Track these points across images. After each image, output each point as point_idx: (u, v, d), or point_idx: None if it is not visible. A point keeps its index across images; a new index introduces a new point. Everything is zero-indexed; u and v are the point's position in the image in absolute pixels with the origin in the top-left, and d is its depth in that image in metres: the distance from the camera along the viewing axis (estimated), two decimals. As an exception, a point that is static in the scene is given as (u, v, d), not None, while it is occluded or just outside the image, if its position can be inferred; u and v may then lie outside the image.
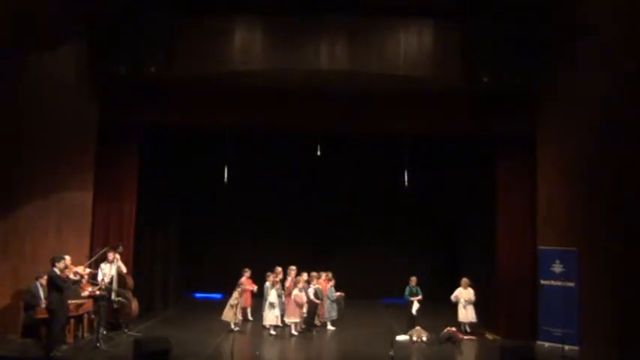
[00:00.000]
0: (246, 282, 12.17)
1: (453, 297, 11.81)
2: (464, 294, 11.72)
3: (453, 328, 11.18)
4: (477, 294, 11.79)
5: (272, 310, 11.47)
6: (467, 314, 11.69)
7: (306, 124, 12.07)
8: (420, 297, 11.66)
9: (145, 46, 10.81)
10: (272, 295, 11.52)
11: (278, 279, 11.83)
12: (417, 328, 11.15)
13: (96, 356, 9.39)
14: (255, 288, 12.34)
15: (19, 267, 10.30)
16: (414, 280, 11.88)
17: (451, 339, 10.87)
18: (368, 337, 11.49)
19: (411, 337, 10.98)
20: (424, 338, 10.91)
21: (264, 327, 11.61)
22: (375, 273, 15.80)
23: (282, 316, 11.60)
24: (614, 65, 9.58)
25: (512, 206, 11.78)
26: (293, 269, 11.95)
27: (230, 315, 11.44)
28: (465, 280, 11.88)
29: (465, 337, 11.20)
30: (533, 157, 11.68)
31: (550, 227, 11.25)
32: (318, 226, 16.12)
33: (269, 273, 12.14)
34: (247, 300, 12.38)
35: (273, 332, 11.41)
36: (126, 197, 11.92)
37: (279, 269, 12.05)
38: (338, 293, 12.38)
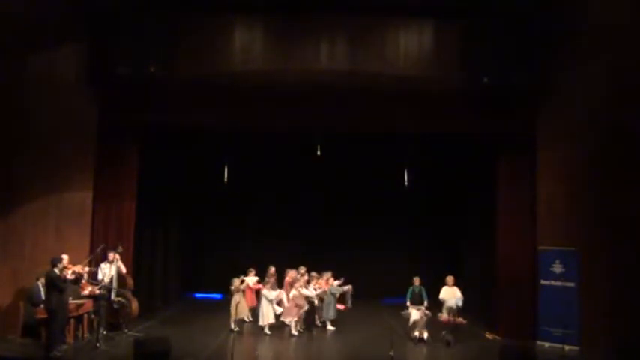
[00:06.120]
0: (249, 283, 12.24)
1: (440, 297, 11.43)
2: (449, 292, 11.40)
3: (444, 316, 11.07)
4: (475, 294, 11.73)
5: (269, 308, 11.46)
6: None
7: (306, 124, 12.07)
8: (425, 305, 11.41)
9: (144, 46, 10.80)
10: (269, 295, 11.53)
11: (273, 279, 11.87)
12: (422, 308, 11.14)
13: (96, 356, 9.41)
14: (254, 287, 12.29)
15: (19, 267, 10.33)
16: (417, 280, 11.82)
17: (449, 343, 10.79)
18: (368, 337, 11.49)
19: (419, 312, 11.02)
20: (425, 336, 10.90)
21: (261, 328, 11.60)
22: (375, 273, 15.77)
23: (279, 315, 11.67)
24: (614, 65, 9.59)
25: (512, 206, 11.75)
26: (293, 272, 11.97)
27: (244, 310, 11.64)
28: (450, 278, 11.51)
29: (458, 321, 11.00)
30: (533, 156, 11.66)
31: (550, 227, 11.25)
32: (318, 226, 16.11)
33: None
34: (252, 300, 12.38)
35: (268, 332, 11.41)
36: (126, 197, 11.90)
37: (272, 269, 12.05)
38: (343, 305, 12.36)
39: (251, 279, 12.27)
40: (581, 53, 10.45)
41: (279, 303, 11.69)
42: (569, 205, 10.74)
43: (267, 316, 11.48)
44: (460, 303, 11.20)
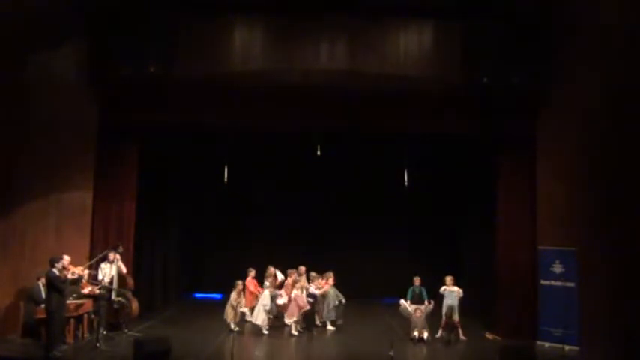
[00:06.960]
0: (249, 283, 12.19)
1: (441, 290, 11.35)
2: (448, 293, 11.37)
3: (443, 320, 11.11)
4: (475, 294, 11.69)
5: (263, 312, 11.46)
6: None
7: (306, 124, 12.07)
8: (425, 303, 11.35)
9: (145, 46, 10.83)
10: (265, 298, 11.52)
11: (272, 279, 11.86)
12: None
13: (96, 356, 9.40)
14: (258, 292, 12.13)
15: (19, 267, 10.31)
16: (417, 280, 11.80)
17: (449, 343, 10.79)
18: (368, 337, 11.49)
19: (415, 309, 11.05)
20: (425, 336, 10.89)
21: (259, 327, 11.57)
22: (375, 273, 15.78)
23: (276, 316, 11.70)
24: (614, 65, 9.58)
25: (512, 206, 11.76)
26: (293, 271, 11.95)
27: (231, 315, 11.49)
28: (449, 278, 11.44)
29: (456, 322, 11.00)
30: (533, 156, 11.68)
31: (550, 227, 11.25)
32: (318, 226, 16.09)
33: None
34: (251, 301, 12.35)
35: (265, 331, 11.41)
36: (126, 197, 11.90)
37: (272, 269, 12.04)
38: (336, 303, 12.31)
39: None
40: (581, 53, 10.44)
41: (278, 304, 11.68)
42: (569, 205, 10.74)
43: (256, 316, 11.46)
44: (460, 295, 11.21)
